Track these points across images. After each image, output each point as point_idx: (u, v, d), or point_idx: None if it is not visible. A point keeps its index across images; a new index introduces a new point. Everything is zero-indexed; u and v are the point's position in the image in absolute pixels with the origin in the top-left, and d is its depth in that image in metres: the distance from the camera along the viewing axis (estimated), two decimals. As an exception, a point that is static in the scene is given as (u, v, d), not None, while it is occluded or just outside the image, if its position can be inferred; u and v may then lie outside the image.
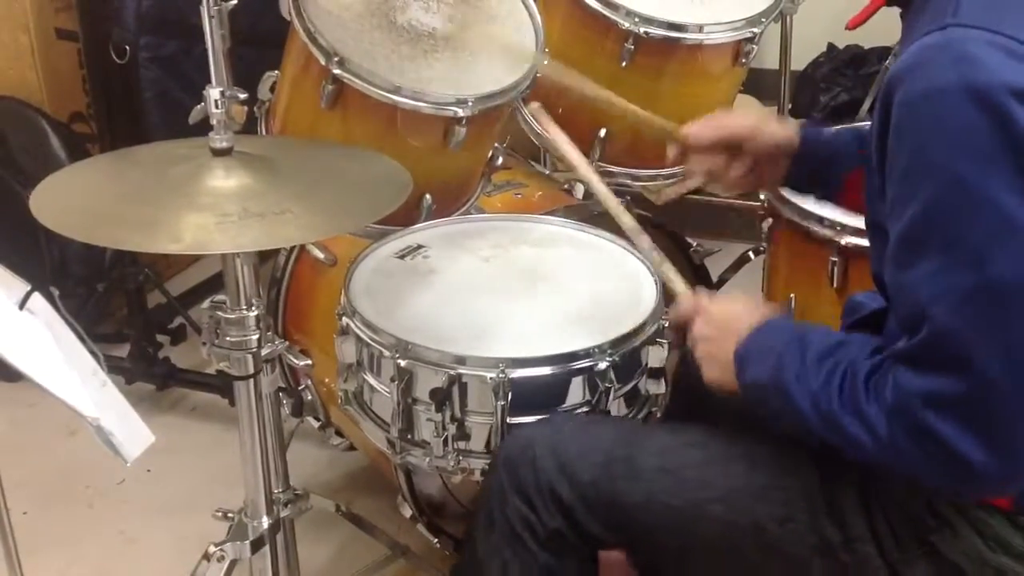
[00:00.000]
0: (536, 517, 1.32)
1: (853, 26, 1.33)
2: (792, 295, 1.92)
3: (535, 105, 1.70)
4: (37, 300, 1.24)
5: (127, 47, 2.59)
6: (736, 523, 1.29)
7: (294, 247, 2.07)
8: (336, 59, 1.70)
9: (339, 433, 2.20)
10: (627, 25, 1.90)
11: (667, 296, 1.48)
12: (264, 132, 1.94)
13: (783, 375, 1.20)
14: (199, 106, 1.43)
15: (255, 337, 1.45)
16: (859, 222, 1.76)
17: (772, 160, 1.53)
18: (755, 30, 1.97)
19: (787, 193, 1.90)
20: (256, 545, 1.56)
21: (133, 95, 2.67)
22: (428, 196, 1.83)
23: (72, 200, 1.36)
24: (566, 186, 2.22)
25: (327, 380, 2.01)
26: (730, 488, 1.30)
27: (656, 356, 1.56)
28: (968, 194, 1.04)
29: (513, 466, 1.35)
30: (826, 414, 1.16)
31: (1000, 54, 1.03)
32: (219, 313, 1.44)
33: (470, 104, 1.74)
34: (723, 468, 1.31)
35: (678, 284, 1.45)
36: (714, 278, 2.35)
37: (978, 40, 1.04)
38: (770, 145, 1.52)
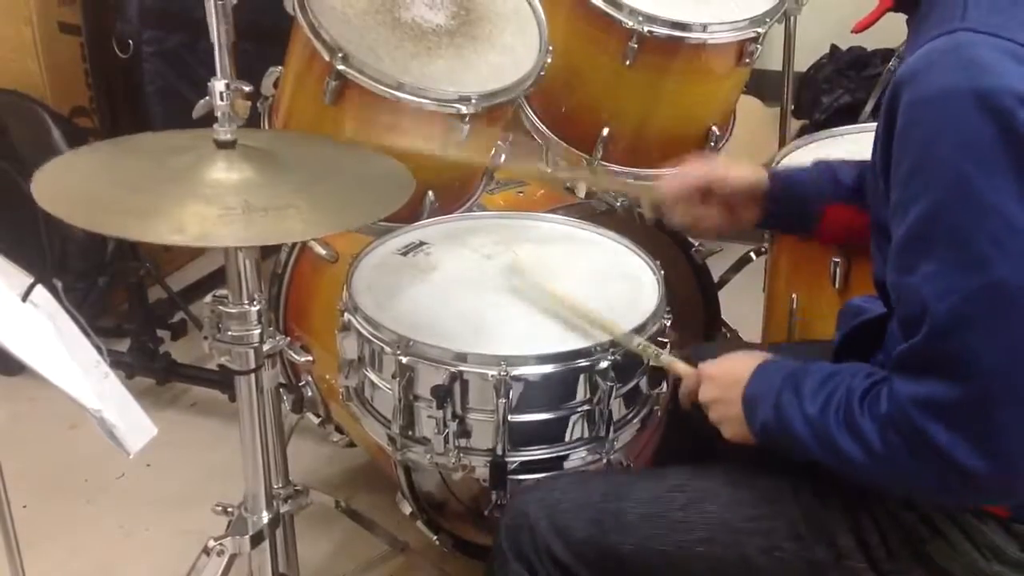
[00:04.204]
0: None
1: (859, 30, 1.33)
2: (794, 296, 1.91)
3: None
4: (40, 292, 1.24)
5: (130, 41, 2.59)
6: (724, 559, 1.31)
7: (296, 243, 2.07)
8: (340, 55, 1.70)
9: (339, 429, 2.20)
10: (631, 24, 1.90)
11: (674, 379, 1.51)
12: (267, 127, 1.93)
13: (782, 409, 1.22)
14: (204, 100, 1.43)
15: (256, 332, 1.45)
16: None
17: (745, 203, 1.62)
18: (759, 30, 1.97)
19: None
20: (256, 540, 1.56)
21: (136, 89, 2.67)
22: (430, 193, 1.83)
23: (73, 186, 1.35)
24: (568, 184, 2.22)
25: (328, 376, 2.01)
26: (711, 527, 1.32)
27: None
28: (973, 197, 1.04)
29: (512, 534, 1.38)
30: (823, 436, 1.17)
31: (1008, 59, 1.04)
32: (221, 308, 1.44)
33: (473, 101, 1.74)
34: (701, 508, 1.33)
35: (679, 366, 1.46)
36: (716, 278, 2.35)
37: (986, 45, 1.04)
38: (740, 188, 1.60)
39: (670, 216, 1.65)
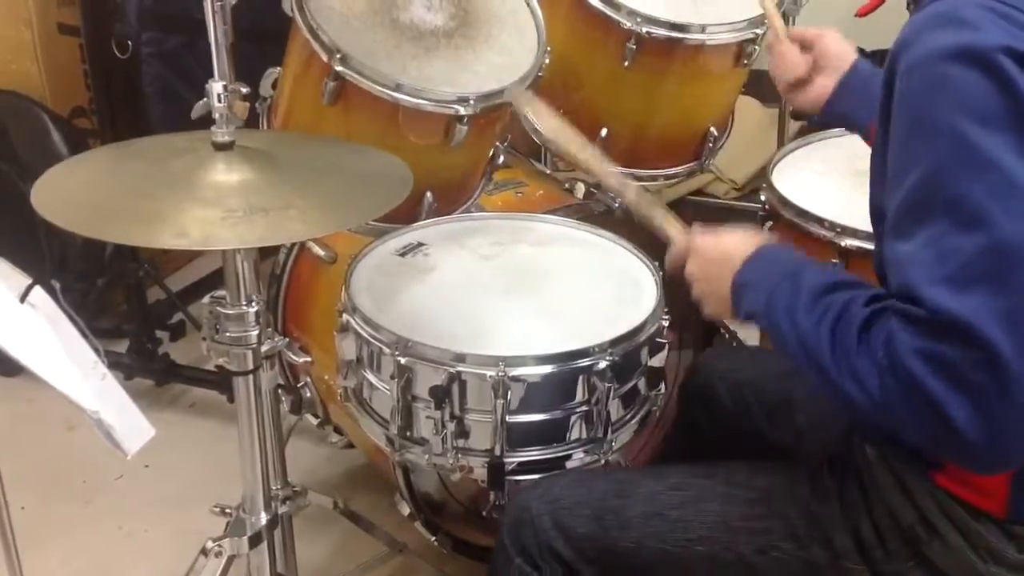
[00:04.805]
0: (540, 575, 1.36)
1: (863, 14, 1.33)
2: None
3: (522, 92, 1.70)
4: (38, 294, 1.24)
5: (129, 42, 2.59)
6: (721, 559, 1.31)
7: (295, 244, 2.07)
8: (338, 56, 1.70)
9: (337, 430, 2.20)
10: (629, 25, 1.90)
11: (661, 240, 1.44)
12: (266, 128, 1.93)
13: (774, 310, 1.18)
14: (202, 101, 1.43)
15: (255, 333, 1.45)
16: (859, 224, 1.77)
17: (827, 70, 1.57)
18: (757, 31, 1.97)
19: (787, 194, 1.90)
20: (254, 541, 1.56)
21: (135, 90, 2.67)
22: (429, 194, 1.83)
23: (74, 193, 1.36)
24: (567, 185, 2.22)
25: (326, 377, 2.01)
26: (708, 527, 1.32)
27: (656, 356, 1.56)
28: (970, 154, 1.02)
29: (514, 530, 1.38)
30: (815, 360, 1.12)
31: (993, 16, 1.03)
32: (219, 309, 1.44)
33: (472, 102, 1.74)
34: (700, 507, 1.33)
35: (671, 227, 1.41)
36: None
37: (972, 5, 1.04)
38: (834, 49, 1.56)
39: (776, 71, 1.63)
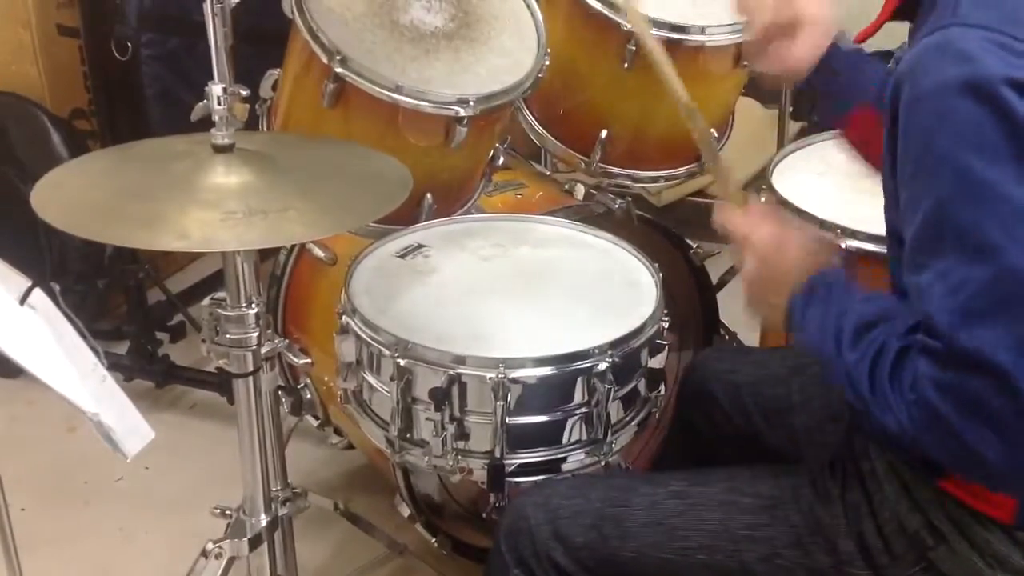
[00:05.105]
0: None
1: (860, 40, 1.32)
2: (792, 297, 1.91)
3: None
4: (38, 296, 1.24)
5: (129, 44, 2.59)
6: (723, 567, 1.31)
7: (295, 245, 2.07)
8: (338, 57, 1.70)
9: (338, 432, 2.20)
10: (629, 26, 1.90)
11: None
12: (266, 130, 1.93)
13: (826, 344, 1.19)
14: (202, 103, 1.43)
15: (255, 335, 1.45)
16: (860, 226, 1.77)
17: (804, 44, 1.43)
18: (757, 32, 1.97)
19: (787, 195, 1.90)
20: (254, 543, 1.56)
21: (134, 92, 2.67)
22: (429, 195, 1.83)
23: (74, 196, 1.36)
24: (566, 187, 2.22)
25: (326, 379, 2.01)
26: (710, 535, 1.32)
27: (656, 358, 1.56)
28: (976, 187, 1.04)
29: (512, 538, 1.38)
30: (859, 393, 1.15)
31: (995, 48, 1.04)
32: (219, 310, 1.44)
33: (471, 104, 1.74)
34: (701, 516, 1.33)
35: (730, 187, 1.39)
36: (715, 279, 2.35)
37: (974, 37, 1.05)
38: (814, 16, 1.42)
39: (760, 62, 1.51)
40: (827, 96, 1.48)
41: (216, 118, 1.39)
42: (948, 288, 1.06)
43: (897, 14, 1.25)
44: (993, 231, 1.03)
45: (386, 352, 1.48)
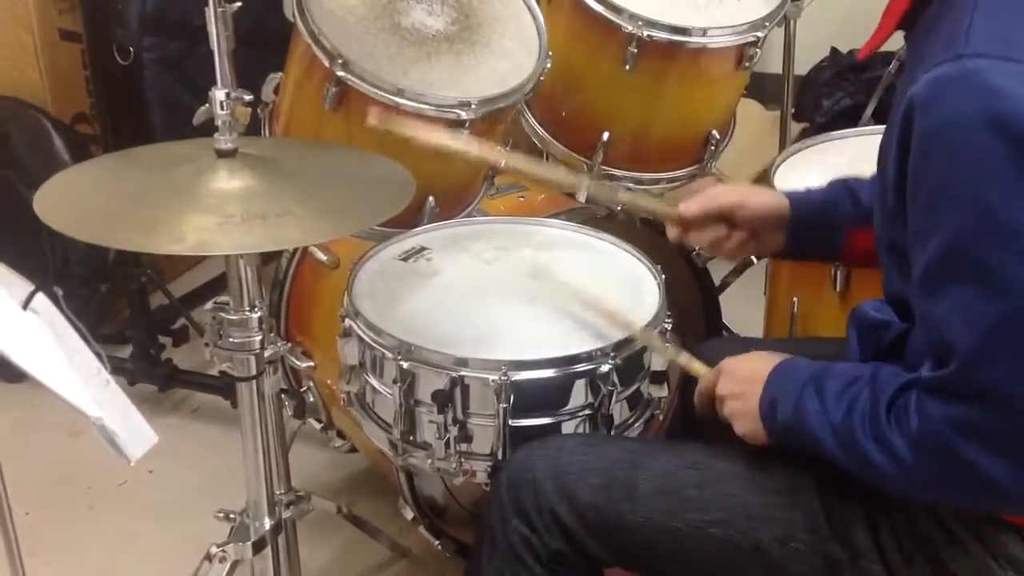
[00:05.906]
0: (538, 539, 1.34)
1: (864, 56, 1.33)
2: (795, 298, 1.91)
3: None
4: (41, 300, 1.24)
5: (130, 48, 2.60)
6: (736, 544, 1.30)
7: (297, 249, 2.07)
8: (340, 61, 1.70)
9: (341, 435, 2.20)
10: (630, 28, 1.90)
11: (690, 379, 1.50)
12: (268, 134, 1.94)
13: (804, 414, 1.22)
14: (204, 107, 1.43)
15: (258, 338, 1.45)
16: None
17: (768, 229, 1.58)
18: (758, 34, 1.97)
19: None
20: (258, 546, 1.56)
21: (136, 96, 2.68)
22: (431, 198, 1.83)
23: (76, 201, 1.36)
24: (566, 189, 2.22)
25: (329, 382, 2.01)
26: (727, 510, 1.30)
27: (658, 359, 1.56)
28: (997, 225, 1.04)
29: (514, 488, 1.36)
30: (848, 444, 1.17)
31: (1017, 82, 1.03)
32: (222, 314, 1.44)
33: (473, 106, 1.74)
34: (720, 490, 1.32)
35: (696, 365, 1.46)
36: (717, 282, 2.35)
37: (995, 70, 1.04)
38: (760, 214, 1.57)
39: (693, 239, 1.62)
40: (815, 246, 1.60)
41: (219, 123, 1.40)
42: (965, 322, 1.06)
43: (899, 27, 1.25)
44: (1012, 267, 1.04)
45: (389, 355, 1.48)
